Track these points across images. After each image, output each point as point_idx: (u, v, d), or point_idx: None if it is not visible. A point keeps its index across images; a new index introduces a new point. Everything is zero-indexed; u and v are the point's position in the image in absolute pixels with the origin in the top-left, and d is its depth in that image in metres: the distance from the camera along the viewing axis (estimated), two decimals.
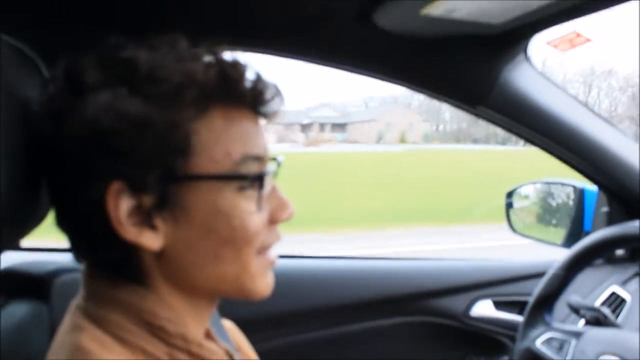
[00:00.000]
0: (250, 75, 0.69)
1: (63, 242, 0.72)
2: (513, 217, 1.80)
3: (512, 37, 1.20)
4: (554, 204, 1.75)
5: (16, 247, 1.48)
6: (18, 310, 1.10)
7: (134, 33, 0.69)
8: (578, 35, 1.20)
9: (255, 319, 1.13)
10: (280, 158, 0.78)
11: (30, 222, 0.75)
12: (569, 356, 1.18)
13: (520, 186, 1.82)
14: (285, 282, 0.96)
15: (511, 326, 1.61)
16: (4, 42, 0.71)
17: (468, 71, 1.27)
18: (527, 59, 1.27)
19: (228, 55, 0.69)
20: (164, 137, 0.64)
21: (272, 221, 0.73)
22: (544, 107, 1.31)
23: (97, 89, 0.64)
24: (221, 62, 0.68)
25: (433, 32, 1.17)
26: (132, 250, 0.67)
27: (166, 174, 0.65)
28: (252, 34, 1.15)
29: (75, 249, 0.71)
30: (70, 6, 1.04)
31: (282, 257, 1.47)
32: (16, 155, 0.66)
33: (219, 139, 0.67)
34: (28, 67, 0.80)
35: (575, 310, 1.31)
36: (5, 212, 0.63)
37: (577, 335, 1.21)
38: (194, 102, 0.65)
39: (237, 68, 0.68)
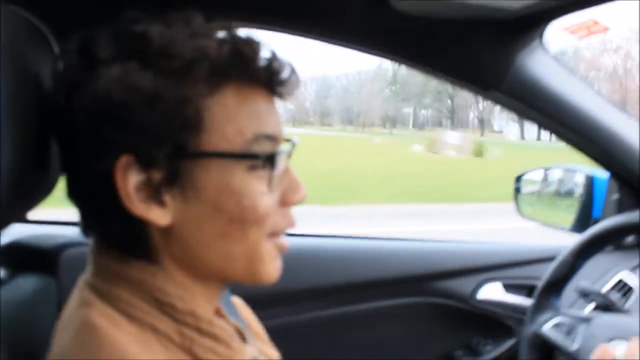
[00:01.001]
0: (265, 54, 0.68)
1: (71, 215, 0.73)
2: (521, 201, 1.79)
3: (529, 22, 1.18)
4: (563, 189, 1.74)
5: (23, 220, 1.48)
6: (25, 283, 1.10)
7: (147, 9, 0.68)
8: (595, 22, 1.17)
9: (263, 297, 1.13)
10: (295, 139, 0.77)
11: (37, 195, 0.75)
12: (578, 341, 1.18)
13: (530, 171, 1.82)
14: (293, 261, 0.95)
15: (519, 310, 1.61)
16: (16, 14, 0.70)
17: (482, 55, 1.25)
18: (542, 45, 1.25)
19: (243, 33, 0.69)
20: (174, 112, 0.63)
21: (283, 203, 0.73)
22: (557, 94, 1.29)
23: (109, 63, 0.64)
24: (235, 39, 0.67)
25: (449, 15, 1.16)
26: (141, 226, 0.67)
27: (176, 149, 0.64)
28: (269, 12, 1.14)
29: (84, 222, 0.71)
30: None
31: (289, 235, 1.47)
32: (25, 127, 0.65)
33: (232, 117, 0.66)
34: (39, 41, 0.79)
35: (584, 295, 1.31)
36: (13, 183, 0.63)
37: (586, 320, 1.21)
38: (206, 78, 0.65)
39: (251, 45, 0.67)
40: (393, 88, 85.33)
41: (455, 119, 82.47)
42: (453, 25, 1.19)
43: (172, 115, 0.63)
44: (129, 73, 0.63)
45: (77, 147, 0.66)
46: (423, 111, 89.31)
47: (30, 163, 0.68)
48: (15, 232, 1.32)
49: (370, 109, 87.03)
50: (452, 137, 30.14)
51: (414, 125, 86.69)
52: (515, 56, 1.23)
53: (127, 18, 0.68)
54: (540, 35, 1.24)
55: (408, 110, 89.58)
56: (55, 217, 1.54)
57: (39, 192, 0.74)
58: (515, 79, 1.26)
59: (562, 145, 1.41)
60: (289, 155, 0.75)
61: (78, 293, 0.70)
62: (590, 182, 1.61)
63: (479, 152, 26.21)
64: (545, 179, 1.80)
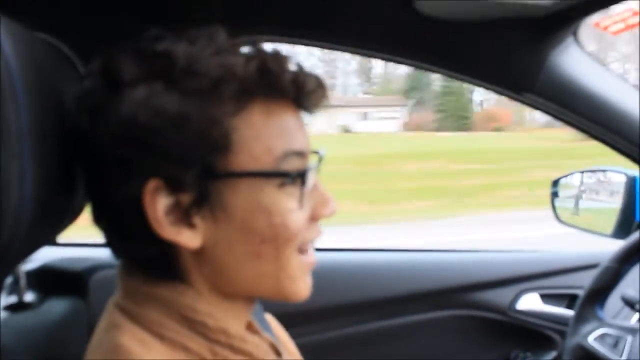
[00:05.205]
0: (291, 67, 0.67)
1: (100, 237, 0.71)
2: (558, 207, 1.74)
3: (562, 19, 1.14)
4: (602, 192, 1.69)
5: (53, 243, 1.48)
6: (56, 307, 1.11)
7: (169, 26, 0.67)
8: (635, 13, 1.12)
9: (295, 314, 1.11)
10: (322, 151, 0.76)
11: (66, 218, 0.74)
12: (626, 354, 1.13)
13: (567, 175, 1.77)
14: (327, 276, 0.94)
15: (559, 320, 1.58)
16: (43, 40, 0.70)
17: (514, 56, 1.22)
18: (577, 42, 1.22)
19: (268, 47, 0.67)
20: (202, 133, 0.62)
21: (314, 218, 0.71)
22: (594, 93, 1.25)
23: (133, 85, 0.63)
24: (261, 55, 0.66)
25: (476, 15, 1.13)
26: (170, 249, 0.66)
27: (205, 171, 0.63)
28: (293, 25, 1.12)
29: (111, 246, 0.71)
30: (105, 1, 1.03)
31: (322, 250, 1.45)
32: (52, 151, 0.65)
33: (260, 135, 0.65)
34: (65, 65, 0.79)
35: (630, 304, 1.26)
36: (38, 208, 0.62)
37: (634, 331, 1.16)
38: (233, 97, 0.63)
39: (278, 60, 0.66)
40: None
41: None
42: (482, 27, 1.16)
43: (200, 137, 0.62)
44: (154, 95, 0.62)
45: (103, 172, 0.65)
46: None
47: (56, 187, 0.67)
48: (45, 255, 1.31)
49: None
50: None
51: None
52: (549, 55, 1.20)
53: (149, 36, 0.67)
54: (575, 32, 1.20)
55: None
56: (85, 239, 1.54)
57: (66, 216, 0.74)
58: (550, 80, 1.22)
59: None
60: (317, 169, 0.74)
61: (107, 316, 0.70)
62: (631, 184, 1.56)
63: None
64: (583, 182, 1.75)
